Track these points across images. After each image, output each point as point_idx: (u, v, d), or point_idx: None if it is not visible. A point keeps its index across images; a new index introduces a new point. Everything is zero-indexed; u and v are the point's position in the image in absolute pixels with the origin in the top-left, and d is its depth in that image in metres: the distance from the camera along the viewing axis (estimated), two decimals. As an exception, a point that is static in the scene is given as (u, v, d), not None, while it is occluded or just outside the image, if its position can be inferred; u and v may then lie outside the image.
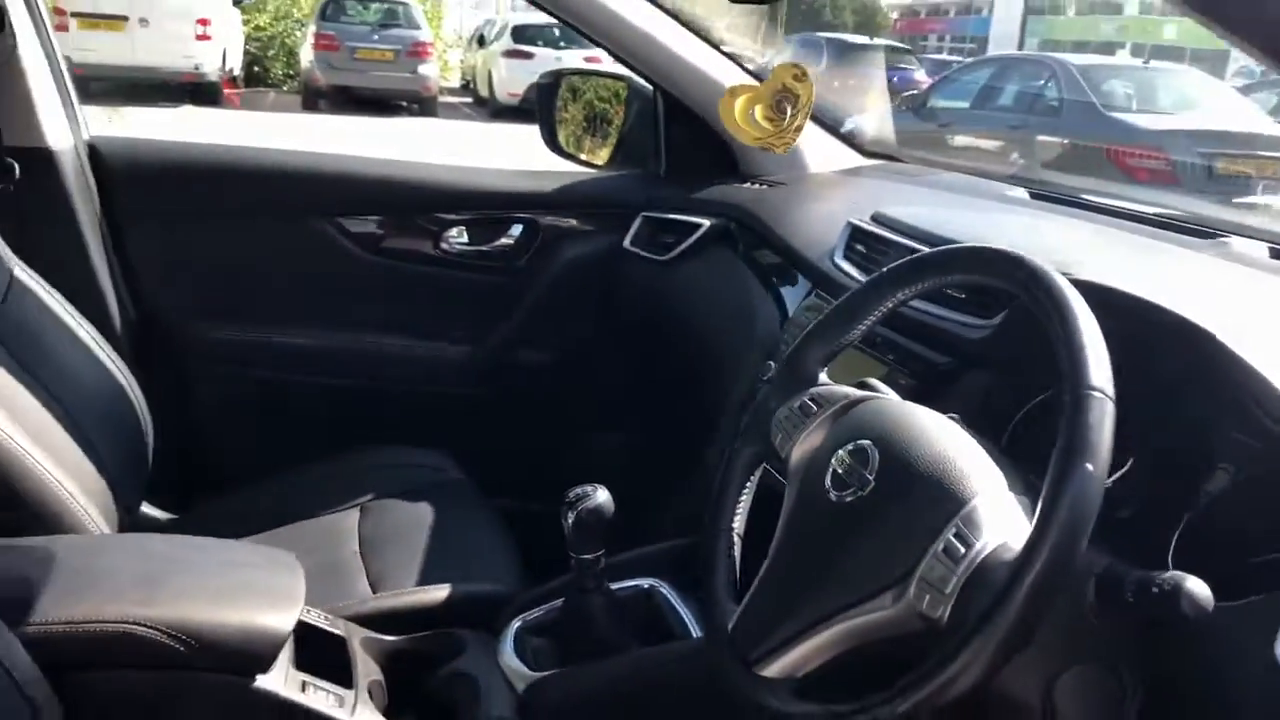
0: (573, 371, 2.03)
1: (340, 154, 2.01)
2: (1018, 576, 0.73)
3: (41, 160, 1.74)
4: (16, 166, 1.70)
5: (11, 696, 0.92)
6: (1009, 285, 0.87)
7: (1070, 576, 0.74)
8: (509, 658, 1.27)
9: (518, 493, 1.77)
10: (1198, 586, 0.75)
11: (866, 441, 0.90)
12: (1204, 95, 8.50)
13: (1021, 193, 1.74)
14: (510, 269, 2.03)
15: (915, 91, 10.57)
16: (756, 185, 1.92)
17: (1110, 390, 0.76)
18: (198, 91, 11.79)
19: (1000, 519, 0.80)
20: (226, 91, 12.61)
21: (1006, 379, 1.09)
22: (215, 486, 1.76)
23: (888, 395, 0.99)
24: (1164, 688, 0.84)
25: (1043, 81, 8.96)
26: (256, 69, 14.92)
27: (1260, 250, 1.34)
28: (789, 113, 1.18)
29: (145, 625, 1.05)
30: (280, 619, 1.12)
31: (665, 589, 1.38)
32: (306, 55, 13.25)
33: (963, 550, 0.79)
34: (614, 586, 1.34)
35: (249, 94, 13.91)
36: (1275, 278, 1.20)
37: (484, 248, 2.04)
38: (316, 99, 12.92)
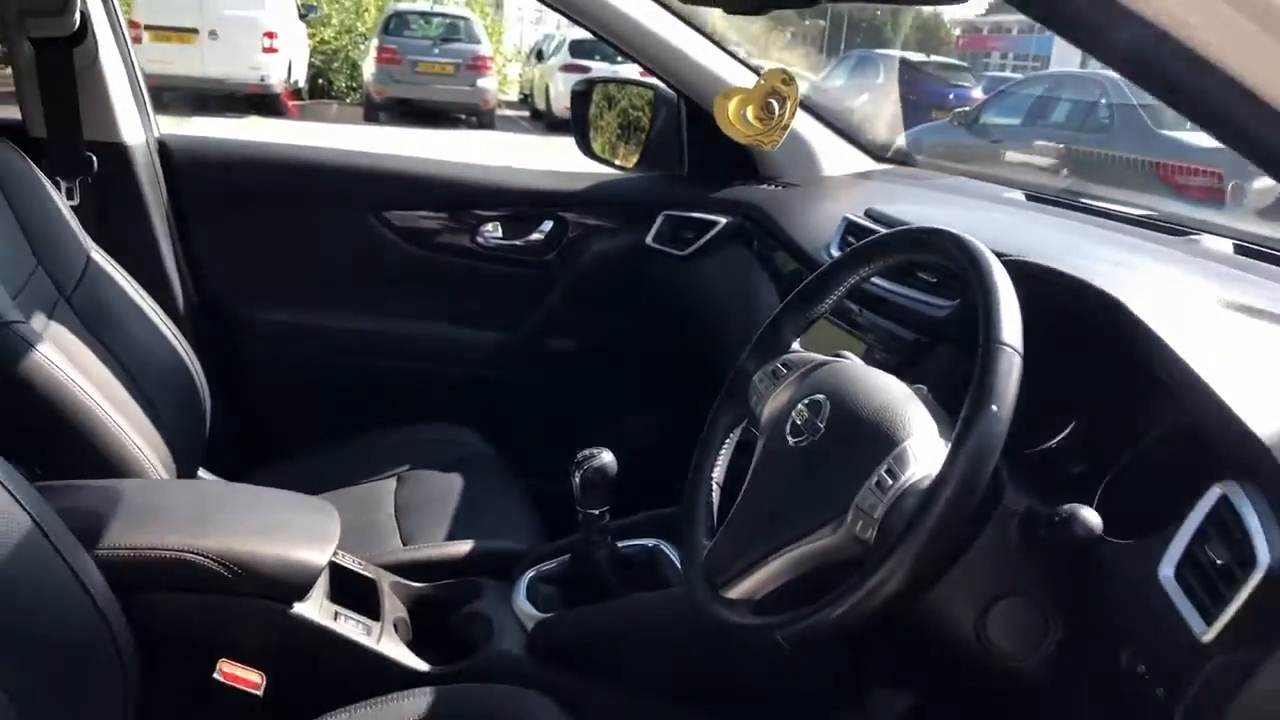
0: (598, 358, 2.16)
1: (385, 153, 2.18)
2: (931, 498, 0.85)
3: (117, 154, 1.92)
4: (95, 159, 1.88)
5: (90, 613, 1.05)
6: (942, 258, 1.00)
7: (976, 500, 0.86)
8: (521, 602, 1.41)
9: (543, 472, 1.90)
10: (1088, 514, 0.87)
11: (821, 395, 1.02)
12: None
13: (1018, 195, 1.85)
14: (540, 263, 2.17)
15: (969, 108, 10.60)
16: (772, 186, 2.04)
17: (1018, 345, 0.88)
18: (263, 103, 12.18)
19: (927, 457, 0.93)
20: (290, 103, 12.98)
21: (968, 352, 1.21)
22: (266, 458, 1.92)
23: (851, 360, 1.12)
24: (1079, 618, 0.96)
25: (1095, 98, 8.95)
26: (320, 81, 15.33)
27: (1225, 246, 1.44)
28: (777, 113, 1.31)
29: (198, 554, 1.20)
30: (315, 554, 1.26)
31: (667, 548, 1.51)
32: (369, 68, 13.57)
33: (891, 482, 0.91)
34: (621, 545, 1.48)
35: (312, 105, 14.29)
36: (1225, 268, 1.30)
37: (517, 242, 2.19)
38: (377, 111, 13.23)
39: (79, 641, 1.04)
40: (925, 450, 0.94)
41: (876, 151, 2.19)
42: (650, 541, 1.52)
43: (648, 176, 2.20)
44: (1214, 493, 0.84)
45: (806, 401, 1.03)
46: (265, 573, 1.22)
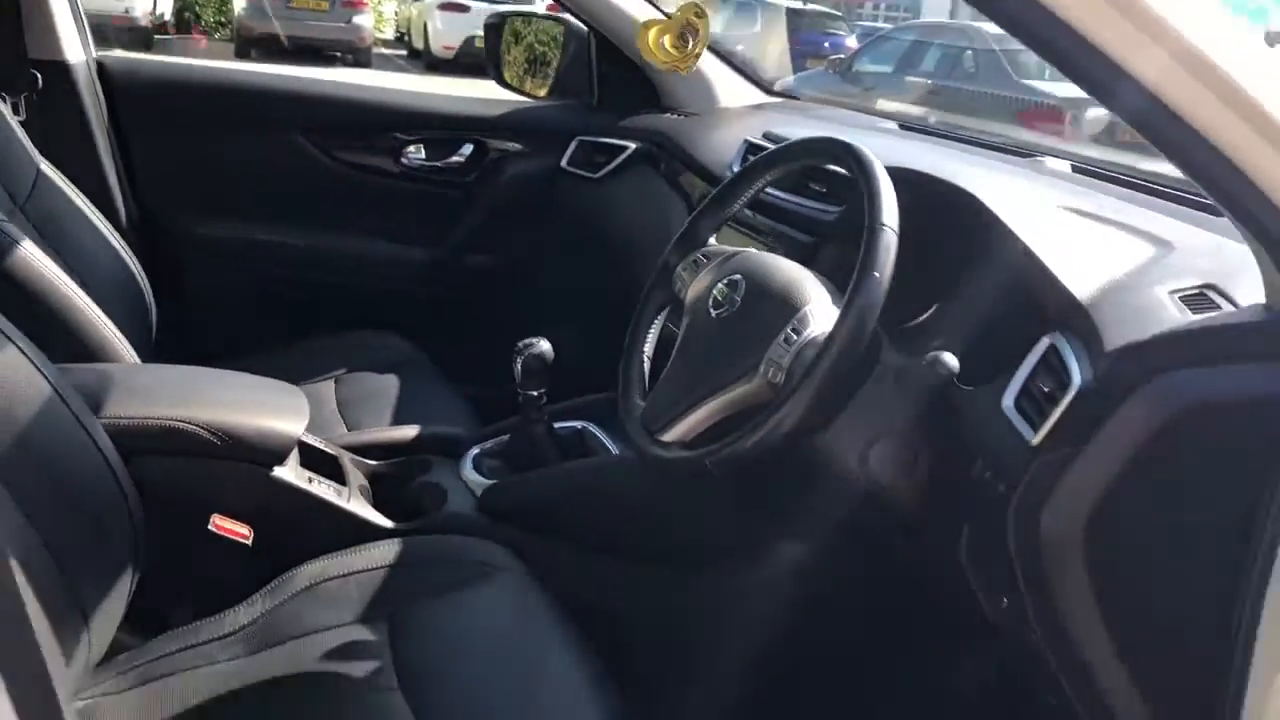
0: (519, 273, 2.34)
1: (316, 77, 2.30)
2: (826, 347, 1.09)
3: (59, 72, 2.01)
4: (39, 77, 1.97)
5: (104, 471, 1.19)
6: (834, 161, 1.22)
7: (857, 352, 1.09)
8: (469, 473, 1.61)
9: (470, 377, 2.08)
10: (949, 358, 1.11)
11: (738, 276, 1.24)
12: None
13: (893, 125, 2.10)
14: (462, 184, 2.33)
15: (844, 56, 10.95)
16: (676, 115, 2.25)
17: (895, 226, 1.12)
18: (130, 37, 11.72)
19: (823, 319, 1.16)
20: (156, 37, 12.53)
21: (852, 249, 1.44)
22: (205, 361, 2.05)
23: (759, 250, 1.34)
24: (941, 447, 1.21)
25: (962, 48, 9.39)
26: (187, 15, 14.80)
27: (1064, 166, 1.71)
28: (691, 43, 1.51)
29: (190, 423, 1.36)
30: (292, 425, 1.43)
31: (595, 429, 1.72)
32: (240, 2, 13.18)
33: (795, 338, 1.14)
34: (555, 427, 1.68)
35: (178, 40, 13.81)
36: (1063, 182, 1.57)
37: (438, 164, 2.35)
38: (248, 47, 12.87)
39: (96, 496, 1.19)
40: (822, 313, 1.17)
41: (766, 86, 2.41)
42: (579, 424, 1.73)
43: (561, 105, 2.37)
44: (1044, 343, 1.09)
45: (726, 281, 1.25)
46: (249, 440, 1.39)
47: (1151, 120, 0.83)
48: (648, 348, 1.37)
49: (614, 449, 1.68)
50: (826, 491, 1.33)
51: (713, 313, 1.24)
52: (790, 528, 1.49)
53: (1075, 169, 1.70)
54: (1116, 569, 0.99)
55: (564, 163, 2.28)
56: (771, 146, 1.74)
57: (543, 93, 2.42)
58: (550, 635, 1.25)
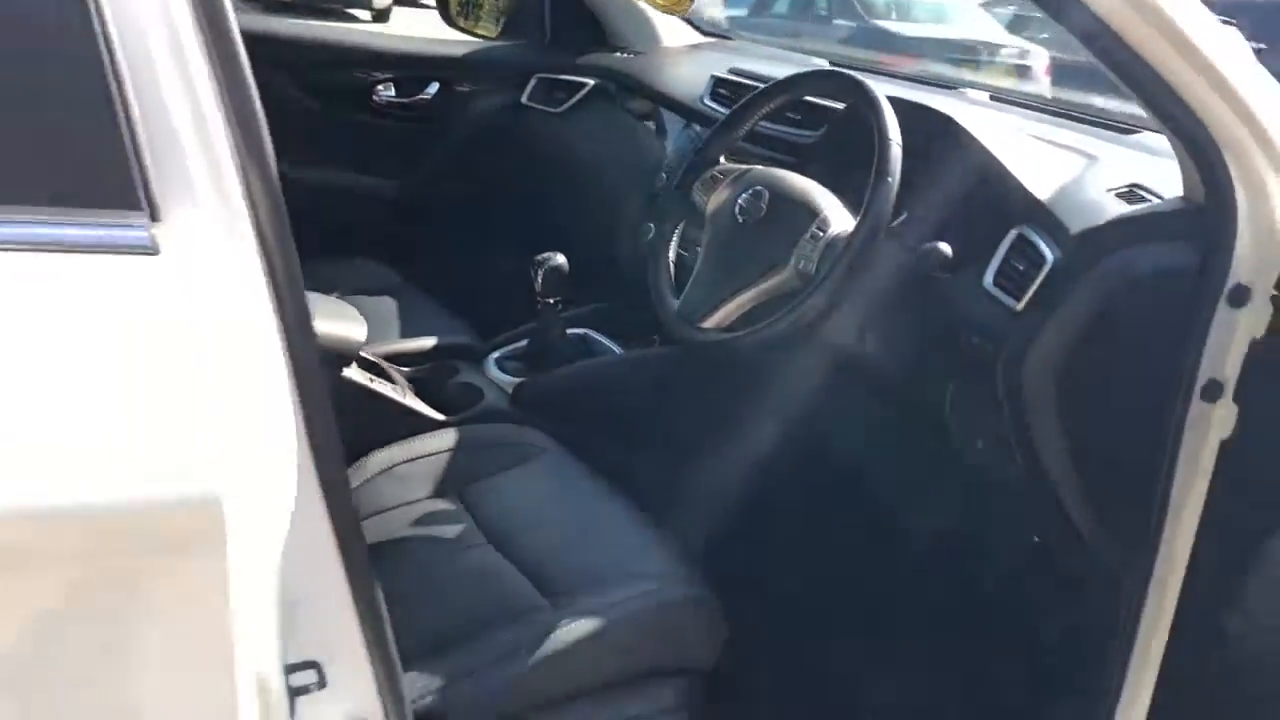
0: (487, 201, 2.51)
1: (291, 20, 2.41)
2: (853, 239, 1.35)
3: None
4: None
5: None
6: (838, 91, 1.48)
7: (878, 245, 1.36)
8: (495, 373, 1.82)
9: (450, 297, 2.25)
10: (943, 246, 1.39)
11: (760, 187, 1.49)
12: (953, 9, 9.53)
13: (823, 63, 2.37)
14: (429, 118, 2.50)
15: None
16: (626, 55, 2.46)
17: (899, 141, 1.38)
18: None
19: (841, 219, 1.42)
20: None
21: (829, 168, 1.71)
22: None
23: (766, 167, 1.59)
24: (934, 326, 1.49)
25: (813, -10, 9.73)
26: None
27: (984, 97, 2.01)
28: (685, -12, 1.74)
29: None
30: (355, 331, 1.61)
31: (595, 335, 1.95)
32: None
33: (821, 234, 1.40)
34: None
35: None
36: (988, 109, 1.86)
37: (407, 101, 2.50)
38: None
39: None
40: (838, 215, 1.43)
41: (699, 27, 2.65)
42: (580, 331, 1.96)
43: (516, 45, 2.55)
44: (1013, 233, 1.39)
45: (750, 192, 1.49)
46: (323, 344, 1.56)
47: (1101, 43, 1.09)
48: (671, 254, 1.61)
49: (615, 350, 1.92)
50: (826, 363, 1.61)
51: (739, 219, 1.49)
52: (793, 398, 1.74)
53: (993, 99, 2.01)
54: (1082, 409, 1.30)
55: (525, 99, 2.46)
56: (741, 80, 1.99)
57: (494, 33, 2.58)
58: (597, 492, 1.48)
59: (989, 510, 1.57)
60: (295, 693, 0.85)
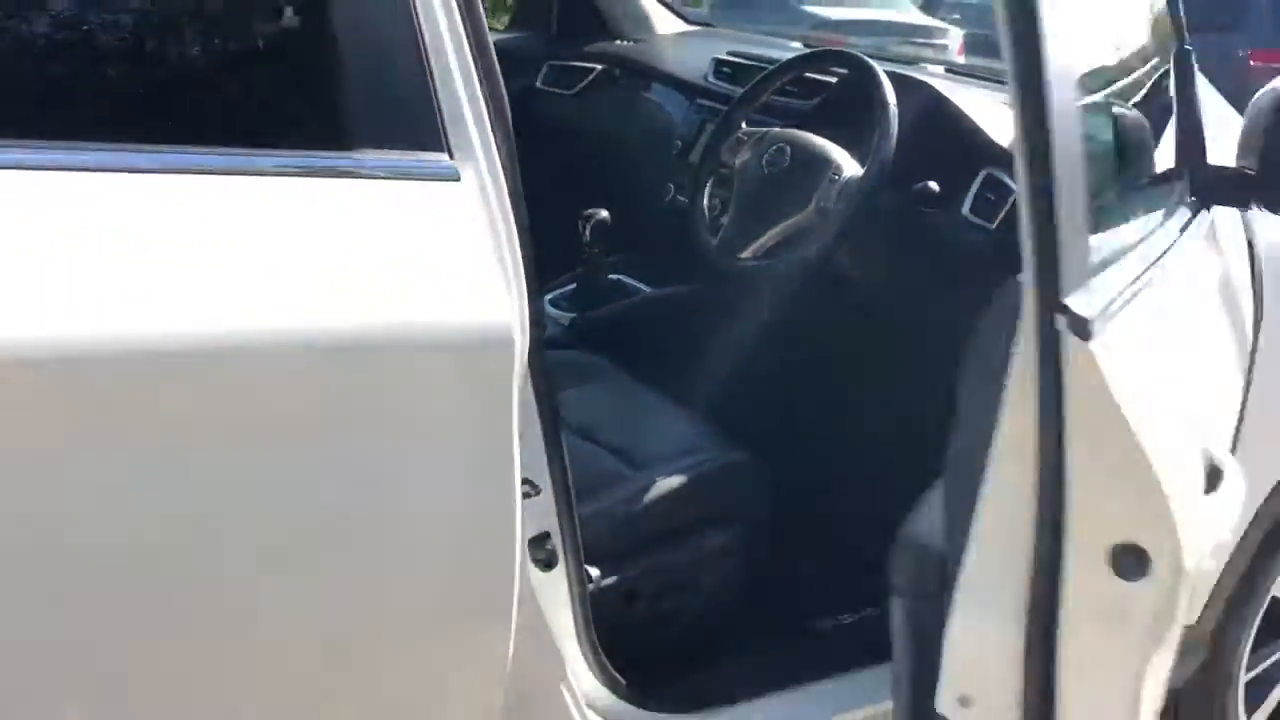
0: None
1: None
2: (864, 181, 1.73)
3: None
4: None
5: None
6: (844, 65, 1.86)
7: (884, 184, 1.74)
8: (550, 310, 2.17)
9: None
10: (932, 183, 1.78)
11: (783, 144, 1.87)
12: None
13: (799, 45, 2.75)
14: None
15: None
16: (626, 42, 2.81)
17: (895, 105, 1.76)
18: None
19: (851, 168, 1.80)
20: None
21: (824, 131, 2.09)
22: None
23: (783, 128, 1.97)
24: (922, 253, 1.87)
25: (740, -25, 10.11)
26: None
27: (940, 70, 2.41)
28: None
29: None
30: None
31: (627, 279, 2.31)
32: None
33: (837, 179, 1.78)
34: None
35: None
36: (948, 81, 2.26)
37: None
38: None
39: None
40: (848, 165, 1.81)
41: (684, 16, 3.01)
42: (614, 277, 2.32)
43: (526, 35, 2.88)
44: (982, 173, 1.78)
45: (775, 148, 1.87)
46: None
47: None
48: (705, 202, 1.98)
49: (646, 290, 2.28)
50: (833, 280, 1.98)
51: (765, 170, 1.86)
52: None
53: (948, 71, 2.41)
54: None
55: (539, 84, 2.80)
56: (741, 61, 2.37)
57: (504, 24, 2.92)
58: (653, 396, 1.84)
59: None
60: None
